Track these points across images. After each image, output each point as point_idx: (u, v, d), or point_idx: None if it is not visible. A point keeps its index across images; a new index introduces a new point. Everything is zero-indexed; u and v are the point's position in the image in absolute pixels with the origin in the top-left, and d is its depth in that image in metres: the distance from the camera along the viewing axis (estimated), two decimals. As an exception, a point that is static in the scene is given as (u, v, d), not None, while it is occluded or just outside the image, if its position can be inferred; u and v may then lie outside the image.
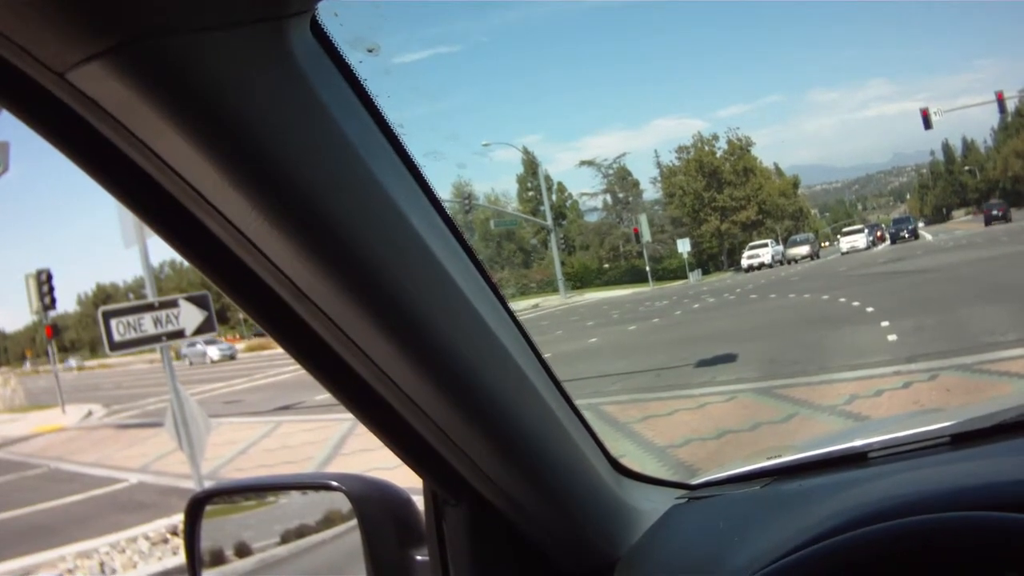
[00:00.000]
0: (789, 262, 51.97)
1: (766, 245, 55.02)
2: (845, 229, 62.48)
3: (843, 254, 49.71)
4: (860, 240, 53.11)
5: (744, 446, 7.70)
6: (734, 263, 54.20)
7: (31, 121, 0.65)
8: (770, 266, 50.90)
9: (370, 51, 0.74)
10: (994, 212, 52.29)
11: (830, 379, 9.82)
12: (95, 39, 0.57)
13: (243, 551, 1.54)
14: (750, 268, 51.56)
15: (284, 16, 0.62)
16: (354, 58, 0.71)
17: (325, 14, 0.67)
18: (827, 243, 77.48)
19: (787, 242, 58.48)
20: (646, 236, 54.08)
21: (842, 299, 18.33)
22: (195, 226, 0.73)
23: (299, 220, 0.69)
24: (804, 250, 53.79)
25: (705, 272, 57.29)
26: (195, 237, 0.75)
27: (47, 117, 0.65)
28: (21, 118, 0.65)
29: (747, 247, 56.27)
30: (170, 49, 0.58)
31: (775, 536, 1.02)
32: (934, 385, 8.46)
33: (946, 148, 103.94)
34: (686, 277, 54.05)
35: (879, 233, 57.21)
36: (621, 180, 69.57)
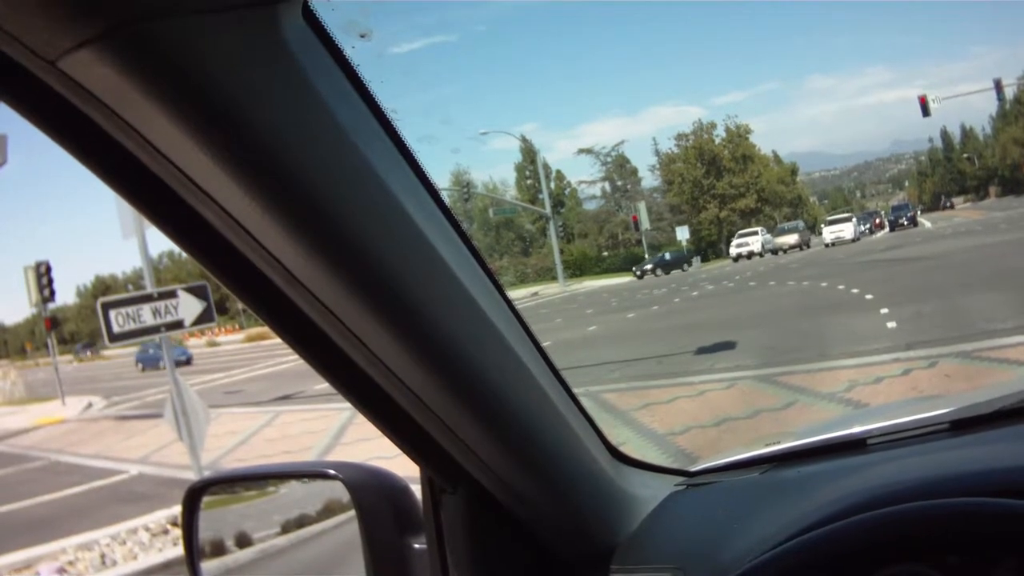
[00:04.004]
0: (775, 252, 46.65)
1: (756, 233, 51.57)
2: (829, 218, 53.10)
3: (827, 246, 42.56)
4: (847, 230, 44.03)
5: (743, 433, 7.72)
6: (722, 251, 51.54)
7: (25, 111, 0.65)
8: (760, 255, 46.85)
9: (363, 36, 0.73)
10: (944, 204, 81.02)
11: (829, 366, 9.83)
12: (85, 25, 0.56)
13: (243, 541, 1.54)
14: (738, 257, 47.58)
15: (275, 1, 0.62)
16: (347, 44, 0.71)
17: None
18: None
19: (774, 230, 53.05)
20: (645, 224, 54.00)
21: (841, 286, 18.32)
22: (191, 215, 0.73)
23: (292, 206, 0.69)
24: (792, 239, 47.71)
25: (704, 260, 57.14)
26: (191, 226, 0.74)
27: (40, 106, 0.65)
28: (14, 108, 0.64)
29: (736, 235, 52.87)
30: (161, 35, 0.58)
31: (774, 522, 1.02)
32: (933, 372, 8.48)
33: (944, 135, 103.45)
34: (685, 264, 53.85)
35: (877, 220, 56.14)
36: (619, 168, 69.48)
